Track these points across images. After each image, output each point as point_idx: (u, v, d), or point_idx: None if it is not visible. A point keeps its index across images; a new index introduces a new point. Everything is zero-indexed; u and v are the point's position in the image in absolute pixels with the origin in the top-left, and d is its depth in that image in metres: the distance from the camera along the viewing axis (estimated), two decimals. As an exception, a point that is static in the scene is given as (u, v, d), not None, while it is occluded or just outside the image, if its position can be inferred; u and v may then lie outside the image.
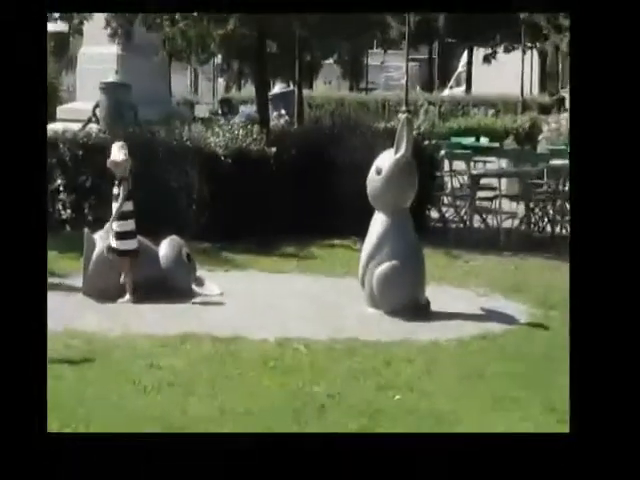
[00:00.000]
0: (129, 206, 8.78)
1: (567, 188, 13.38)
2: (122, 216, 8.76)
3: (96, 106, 17.41)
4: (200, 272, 9.38)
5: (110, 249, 8.77)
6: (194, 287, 9.03)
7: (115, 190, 8.81)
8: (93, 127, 15.41)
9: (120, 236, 8.75)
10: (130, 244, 8.78)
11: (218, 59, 34.94)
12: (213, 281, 9.25)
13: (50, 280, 8.56)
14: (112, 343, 7.36)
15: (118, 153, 8.79)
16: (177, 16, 13.73)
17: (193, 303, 8.82)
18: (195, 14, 13.70)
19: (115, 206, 8.78)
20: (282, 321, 8.16)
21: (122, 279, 8.77)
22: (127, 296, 8.75)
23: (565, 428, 4.66)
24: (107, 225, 8.84)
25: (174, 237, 9.23)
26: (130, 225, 8.78)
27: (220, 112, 27.12)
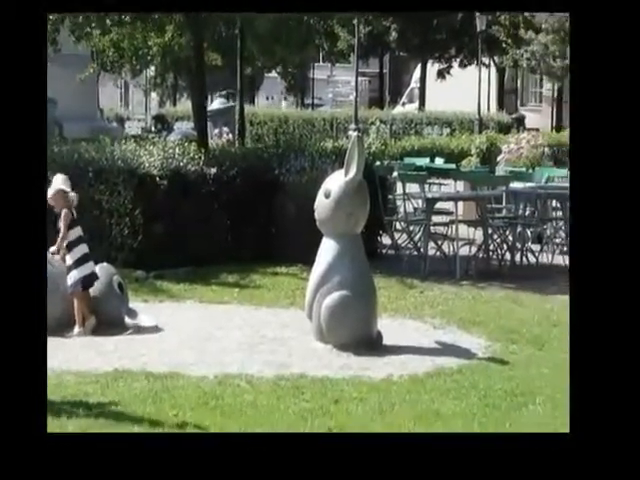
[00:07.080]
0: (77, 233, 8.90)
1: (527, 213, 13.59)
2: (69, 247, 8.86)
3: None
4: (133, 303, 9.36)
5: (72, 285, 8.81)
6: (126, 319, 9.00)
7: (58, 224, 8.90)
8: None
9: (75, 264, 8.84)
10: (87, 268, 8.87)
11: (151, 71, 34.95)
12: (147, 312, 9.23)
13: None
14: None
15: (63, 186, 8.88)
16: (108, 22, 13.72)
17: (125, 336, 8.79)
18: (129, 22, 13.73)
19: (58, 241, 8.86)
20: (222, 356, 8.16)
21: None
22: (77, 328, 8.78)
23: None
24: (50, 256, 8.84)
25: (104, 264, 9.21)
26: (82, 250, 8.90)
27: (154, 129, 27.12)
